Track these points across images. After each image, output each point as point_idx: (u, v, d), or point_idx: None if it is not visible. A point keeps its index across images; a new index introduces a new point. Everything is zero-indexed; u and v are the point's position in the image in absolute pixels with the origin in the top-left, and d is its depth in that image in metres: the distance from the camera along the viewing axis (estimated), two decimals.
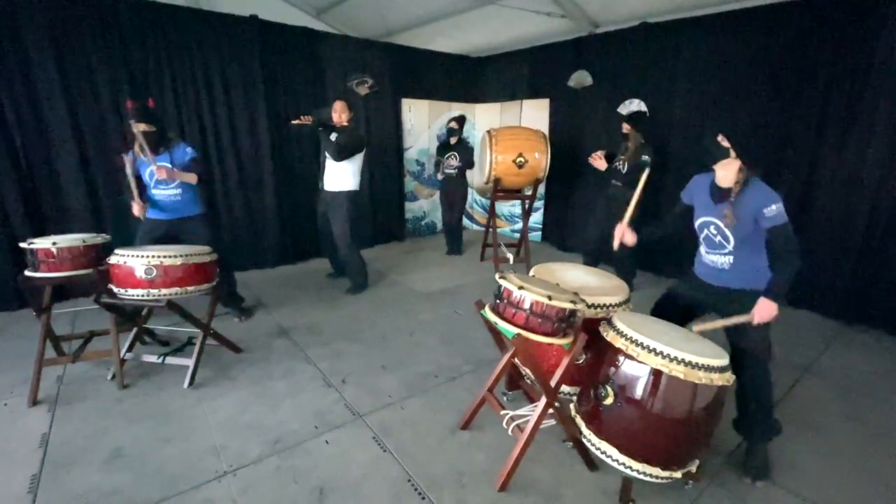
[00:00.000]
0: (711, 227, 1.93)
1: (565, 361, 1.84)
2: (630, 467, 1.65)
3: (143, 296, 2.39)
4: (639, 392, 1.61)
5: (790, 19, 3.48)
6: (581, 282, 2.23)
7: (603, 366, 1.74)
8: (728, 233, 1.87)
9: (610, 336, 1.73)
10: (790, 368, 2.85)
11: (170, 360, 2.65)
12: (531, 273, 2.30)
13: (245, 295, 3.75)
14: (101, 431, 2.19)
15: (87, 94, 3.61)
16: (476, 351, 3.01)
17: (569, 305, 1.67)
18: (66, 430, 2.20)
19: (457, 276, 4.58)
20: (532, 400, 2.28)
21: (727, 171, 1.85)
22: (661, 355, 1.57)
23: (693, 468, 1.72)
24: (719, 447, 2.10)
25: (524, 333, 1.67)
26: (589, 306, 1.95)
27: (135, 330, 2.79)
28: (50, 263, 2.42)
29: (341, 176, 3.73)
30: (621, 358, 1.67)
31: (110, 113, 3.71)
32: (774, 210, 1.75)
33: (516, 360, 2.19)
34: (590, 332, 1.79)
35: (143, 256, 2.37)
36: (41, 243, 2.40)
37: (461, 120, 4.82)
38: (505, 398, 2.47)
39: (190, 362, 2.60)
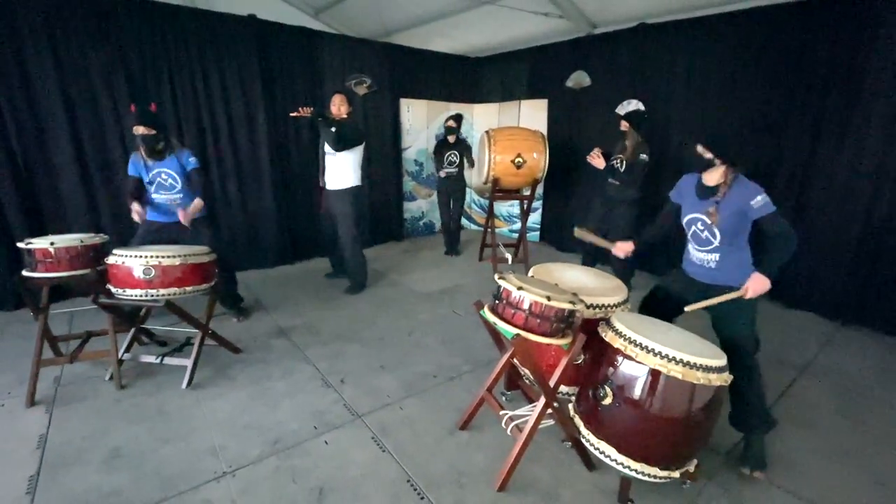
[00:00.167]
0: (698, 224, 2.01)
1: (564, 362, 1.85)
2: (629, 467, 1.66)
3: (141, 296, 2.38)
4: (637, 392, 1.62)
5: (787, 21, 3.50)
6: (579, 282, 2.23)
7: (601, 366, 1.74)
8: (714, 229, 1.94)
9: (608, 336, 1.74)
10: (787, 368, 2.87)
11: (168, 360, 2.64)
12: (530, 273, 2.30)
13: (244, 295, 3.74)
14: (99, 432, 2.18)
15: (84, 93, 3.60)
16: (475, 351, 3.01)
17: (567, 306, 1.68)
18: (64, 430, 2.19)
19: (455, 276, 4.59)
20: (531, 400, 2.28)
21: (715, 174, 1.94)
22: (659, 355, 1.58)
23: (691, 468, 1.72)
24: (717, 447, 2.12)
25: (523, 334, 1.68)
26: (588, 307, 1.96)
27: (133, 330, 2.78)
28: (47, 263, 2.41)
29: (343, 173, 3.72)
30: (620, 358, 1.67)
31: (108, 112, 3.70)
32: (761, 200, 1.82)
33: (515, 360, 2.19)
34: (588, 333, 1.80)
35: (141, 257, 2.36)
36: (39, 243, 2.39)
37: (458, 119, 4.83)
38: (504, 398, 2.47)
39: (188, 362, 2.60)
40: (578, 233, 2.51)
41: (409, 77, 5.61)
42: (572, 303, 1.70)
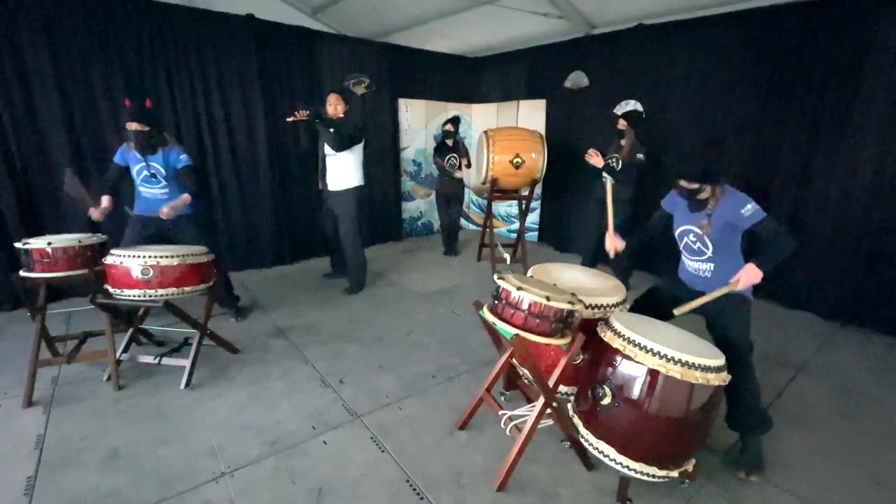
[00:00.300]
0: (691, 235, 2.03)
1: (563, 361, 1.85)
2: (627, 466, 1.66)
3: (139, 296, 2.38)
4: (636, 392, 1.62)
5: (785, 22, 3.51)
6: (578, 282, 2.24)
7: (600, 366, 1.75)
8: (707, 240, 1.97)
9: (607, 336, 1.74)
10: (785, 368, 2.88)
11: (166, 360, 2.64)
12: (529, 273, 2.31)
13: (242, 295, 3.74)
14: (97, 433, 2.18)
15: (82, 93, 3.59)
16: (473, 351, 3.01)
17: (567, 306, 1.68)
18: (61, 431, 2.19)
19: (454, 276, 4.59)
20: (530, 400, 2.29)
21: (705, 195, 1.93)
22: (658, 355, 1.58)
23: (689, 467, 1.73)
24: (715, 446, 2.12)
25: (522, 334, 1.68)
26: (586, 307, 1.96)
27: (130, 330, 2.77)
28: (45, 263, 2.40)
29: (345, 173, 3.71)
30: (619, 358, 1.68)
31: (106, 112, 3.68)
32: (750, 209, 1.83)
33: (514, 360, 2.19)
34: (587, 333, 1.80)
35: (139, 257, 2.35)
36: (36, 243, 2.38)
37: (455, 121, 4.84)
38: (503, 398, 2.48)
39: (186, 363, 2.59)
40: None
41: (408, 77, 5.61)
42: (571, 303, 1.70)
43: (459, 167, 4.90)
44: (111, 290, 2.41)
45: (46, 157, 3.55)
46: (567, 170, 5.16)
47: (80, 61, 3.54)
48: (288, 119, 3.53)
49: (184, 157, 2.98)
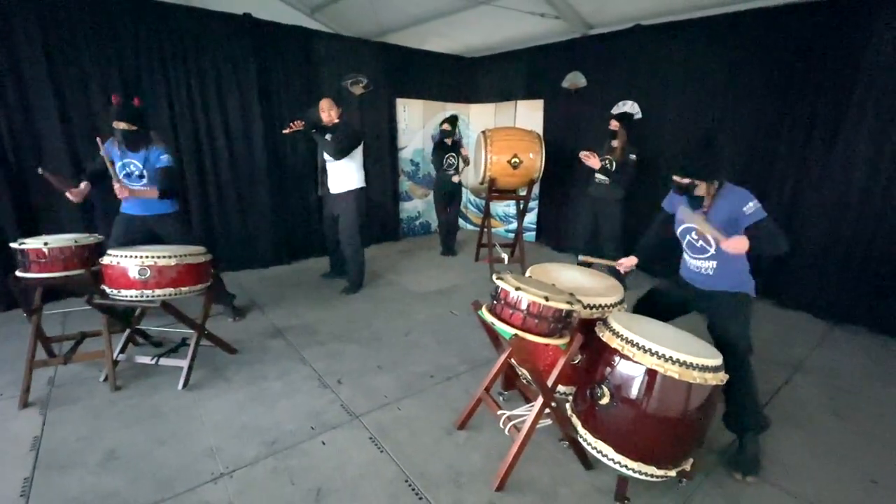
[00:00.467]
0: (692, 234, 2.03)
1: (562, 361, 1.86)
2: (626, 466, 1.67)
3: (136, 296, 2.36)
4: (634, 391, 1.63)
5: (781, 23, 3.53)
6: (577, 282, 2.25)
7: (599, 366, 1.75)
8: (708, 237, 1.95)
9: (606, 336, 1.75)
10: (780, 367, 2.89)
11: (163, 361, 2.63)
12: (527, 273, 2.31)
13: (239, 295, 3.73)
14: (94, 433, 2.17)
15: (78, 92, 3.57)
16: (472, 351, 3.02)
17: (565, 306, 1.69)
18: (58, 432, 2.18)
19: (452, 276, 4.59)
20: (528, 400, 2.29)
21: (701, 192, 1.96)
22: (656, 355, 1.59)
23: (687, 466, 1.74)
24: (712, 445, 2.14)
25: (521, 334, 1.69)
26: (585, 307, 1.97)
27: (127, 331, 2.76)
28: (41, 264, 2.38)
29: (346, 175, 3.71)
30: (617, 358, 1.69)
31: (102, 112, 3.66)
32: (752, 207, 1.84)
33: (512, 360, 2.20)
34: (586, 333, 1.81)
35: (136, 257, 2.34)
36: (32, 243, 2.36)
37: (453, 120, 4.83)
38: (501, 398, 2.48)
39: (184, 363, 2.58)
40: (583, 259, 2.60)
41: (406, 77, 5.60)
42: (570, 303, 1.71)
43: (457, 169, 4.89)
44: (108, 290, 2.40)
45: (42, 158, 3.52)
46: (565, 170, 5.18)
47: (75, 60, 3.52)
48: (284, 131, 3.52)
49: (164, 157, 2.91)
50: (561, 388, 2.13)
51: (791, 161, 3.63)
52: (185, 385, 2.54)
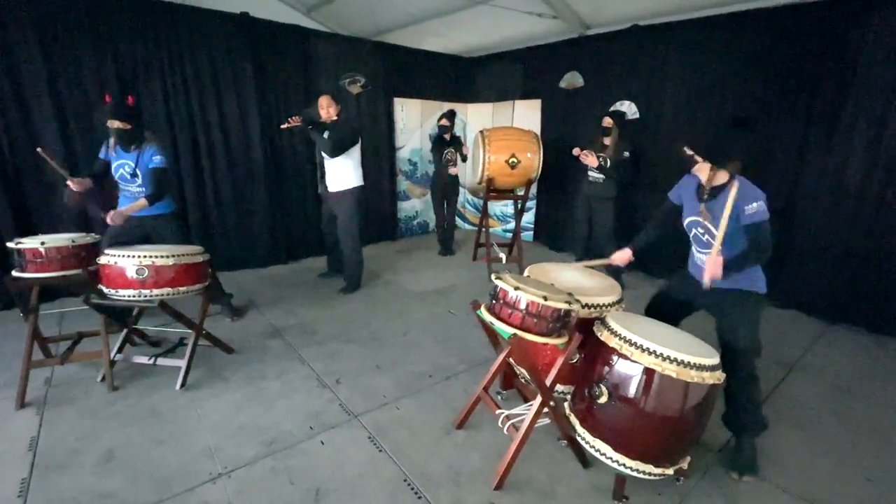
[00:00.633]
0: (699, 227, 1.98)
1: (560, 361, 1.87)
2: (624, 464, 1.68)
3: (134, 296, 2.36)
4: (632, 390, 1.64)
5: (779, 23, 3.54)
6: (575, 282, 2.26)
7: (597, 365, 1.76)
8: (714, 231, 1.90)
9: (604, 336, 1.76)
10: (776, 366, 2.91)
11: (161, 361, 2.62)
12: (526, 273, 2.32)
13: (237, 295, 3.72)
14: (91, 434, 2.16)
15: (74, 90, 3.55)
16: (470, 350, 3.02)
17: (564, 306, 1.70)
18: (55, 432, 2.17)
19: (450, 275, 4.59)
20: (526, 399, 2.30)
21: (702, 173, 1.92)
22: (654, 354, 1.60)
23: (684, 465, 1.75)
24: (709, 444, 2.15)
25: (520, 333, 1.69)
26: (583, 306, 1.98)
27: (125, 331, 2.75)
28: (38, 264, 2.38)
29: (343, 174, 3.71)
30: (615, 357, 1.70)
31: (98, 110, 3.64)
32: (755, 207, 1.79)
33: (511, 359, 2.20)
34: (584, 332, 1.82)
35: (134, 257, 2.34)
36: (29, 243, 2.36)
37: (451, 116, 4.83)
38: (499, 397, 2.49)
39: (182, 363, 2.57)
40: (585, 265, 2.50)
41: (404, 76, 5.60)
42: (568, 302, 1.72)
43: (455, 163, 4.90)
44: (105, 290, 2.39)
45: (38, 157, 3.49)
46: (562, 170, 5.19)
47: (71, 59, 3.51)
48: (282, 126, 3.52)
49: (157, 158, 2.86)
50: (559, 387, 2.14)
51: (787, 161, 3.65)
52: (182, 385, 2.53)
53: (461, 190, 5.33)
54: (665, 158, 4.36)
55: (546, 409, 1.90)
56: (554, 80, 5.20)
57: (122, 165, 2.87)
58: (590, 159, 3.90)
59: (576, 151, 4.04)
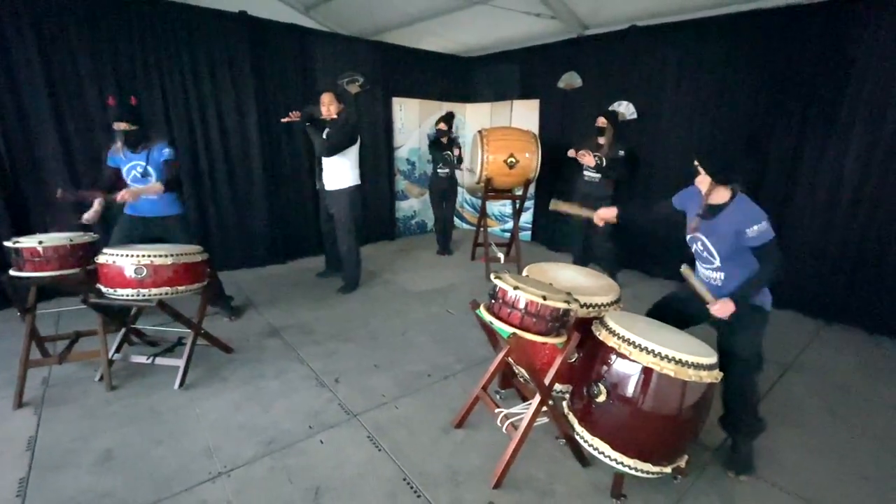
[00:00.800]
0: (698, 243, 1.97)
1: (559, 360, 1.88)
2: (622, 463, 1.69)
3: (132, 296, 2.35)
4: (631, 389, 1.65)
5: (775, 25, 3.56)
6: (574, 282, 2.26)
7: (595, 364, 1.77)
8: (712, 248, 1.90)
9: (602, 335, 1.77)
10: (773, 366, 2.93)
11: (160, 360, 2.62)
12: (524, 273, 2.33)
13: (235, 294, 3.72)
14: (90, 433, 2.15)
15: (72, 90, 3.54)
16: (468, 350, 3.03)
17: (563, 305, 1.71)
18: (53, 432, 2.16)
19: (448, 275, 4.60)
20: (525, 398, 2.31)
21: (702, 186, 1.91)
22: (652, 353, 1.61)
23: (682, 463, 1.76)
24: (706, 442, 2.16)
25: (519, 333, 1.70)
26: (582, 306, 1.98)
27: (123, 330, 2.75)
28: (36, 263, 2.37)
29: (340, 173, 3.71)
30: (613, 356, 1.71)
31: (96, 109, 3.63)
32: (757, 230, 1.77)
33: (510, 358, 2.21)
34: (582, 332, 1.83)
35: (132, 256, 2.33)
36: (27, 242, 2.35)
37: (449, 120, 4.83)
38: (498, 396, 2.49)
39: (180, 363, 2.57)
40: (554, 205, 2.51)
41: (402, 76, 5.60)
42: (567, 302, 1.73)
43: (453, 163, 4.90)
44: (104, 289, 2.38)
45: (35, 155, 3.49)
46: (560, 170, 5.20)
47: (69, 57, 3.49)
48: (283, 120, 3.52)
49: (167, 150, 2.92)
50: (558, 386, 2.15)
51: (784, 161, 3.67)
52: (181, 384, 2.53)
53: (459, 190, 5.34)
54: (662, 158, 4.38)
55: (545, 408, 1.91)
56: (552, 81, 5.20)
57: (133, 167, 2.88)
58: (587, 159, 3.93)
59: (571, 153, 4.06)
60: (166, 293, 2.41)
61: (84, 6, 3.47)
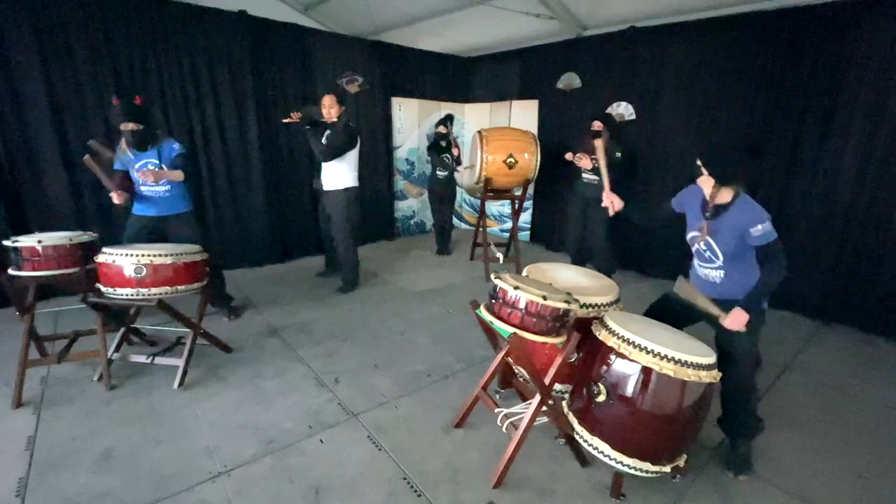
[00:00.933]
0: (701, 242, 1.96)
1: (559, 360, 1.88)
2: (621, 462, 1.70)
3: (132, 295, 2.35)
4: (630, 389, 1.66)
5: (773, 27, 3.58)
6: (573, 282, 2.27)
7: (595, 364, 1.78)
8: (716, 249, 1.90)
9: (602, 335, 1.77)
10: (771, 366, 2.94)
11: (159, 360, 2.61)
12: (524, 273, 2.33)
13: (234, 294, 3.71)
14: (89, 433, 2.15)
15: (70, 89, 3.53)
16: (468, 349, 3.03)
17: (563, 305, 1.71)
18: (52, 432, 2.16)
19: (447, 275, 4.60)
20: (525, 398, 2.32)
21: (705, 187, 1.90)
22: (651, 353, 1.62)
23: (681, 462, 1.77)
24: (705, 442, 2.17)
25: (519, 332, 1.71)
26: (582, 306, 1.99)
27: (122, 330, 2.74)
28: (35, 262, 2.37)
29: (338, 174, 3.71)
30: (613, 356, 1.71)
31: (95, 108, 3.63)
32: (761, 230, 1.77)
33: (510, 358, 2.22)
34: (582, 331, 1.83)
35: (132, 255, 2.33)
36: (26, 241, 2.35)
37: (448, 122, 4.83)
38: (497, 396, 2.50)
39: (180, 362, 2.57)
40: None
41: (401, 76, 5.60)
42: (567, 302, 1.73)
43: (451, 164, 4.91)
44: (103, 288, 2.38)
45: (34, 155, 3.48)
46: (559, 170, 5.20)
47: (67, 56, 3.48)
48: (283, 121, 3.53)
49: (176, 145, 2.97)
50: (557, 386, 2.15)
51: (782, 161, 3.69)
52: (180, 384, 2.53)
53: (458, 190, 5.34)
54: (661, 159, 4.39)
55: (545, 408, 1.91)
56: (551, 81, 5.22)
57: (144, 165, 2.88)
58: (583, 161, 3.93)
59: (568, 156, 4.05)
60: (166, 293, 2.41)
61: (82, 6, 3.46)
